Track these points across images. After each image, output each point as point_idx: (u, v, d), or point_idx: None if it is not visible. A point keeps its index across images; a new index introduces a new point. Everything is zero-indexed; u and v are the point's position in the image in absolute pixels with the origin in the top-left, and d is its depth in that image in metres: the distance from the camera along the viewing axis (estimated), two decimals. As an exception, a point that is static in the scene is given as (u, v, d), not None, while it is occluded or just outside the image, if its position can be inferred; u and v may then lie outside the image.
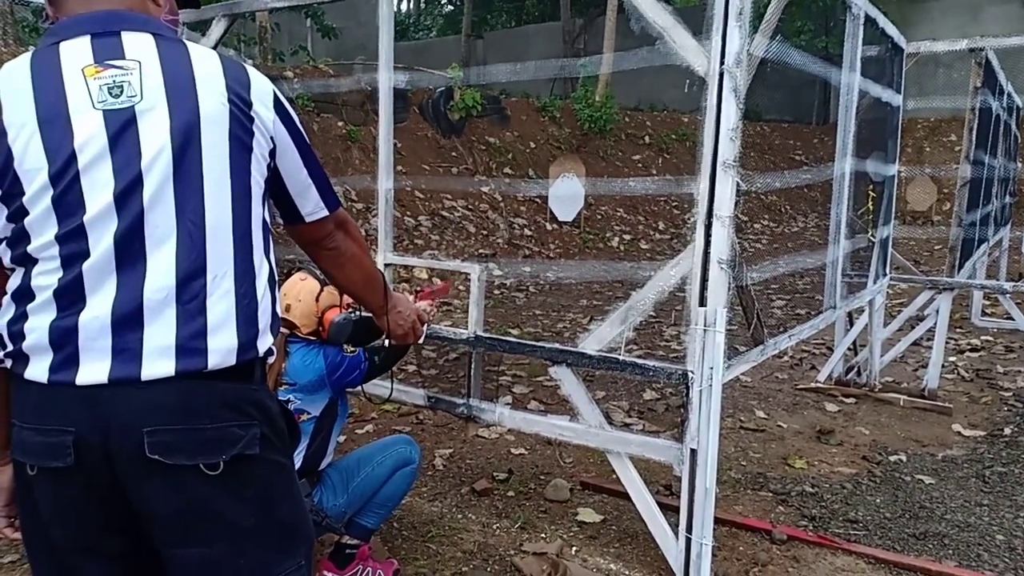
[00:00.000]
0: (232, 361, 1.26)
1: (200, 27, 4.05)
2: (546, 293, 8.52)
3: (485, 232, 10.03)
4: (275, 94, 1.35)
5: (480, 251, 9.53)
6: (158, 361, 1.21)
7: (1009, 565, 2.85)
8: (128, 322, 1.20)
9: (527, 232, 10.53)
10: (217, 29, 3.47)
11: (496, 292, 8.28)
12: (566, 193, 10.36)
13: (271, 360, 1.35)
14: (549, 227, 10.81)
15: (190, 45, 1.31)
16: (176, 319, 1.22)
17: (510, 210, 10.73)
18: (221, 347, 1.25)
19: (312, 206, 1.45)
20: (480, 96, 11.23)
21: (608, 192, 11.73)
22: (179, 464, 1.22)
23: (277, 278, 1.38)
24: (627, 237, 11.62)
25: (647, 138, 14.34)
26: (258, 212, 1.32)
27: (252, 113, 1.30)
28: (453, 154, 11.02)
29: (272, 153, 1.35)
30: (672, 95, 15.65)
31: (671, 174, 13.28)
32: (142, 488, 1.24)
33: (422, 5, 29.57)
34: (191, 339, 1.22)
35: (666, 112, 15.62)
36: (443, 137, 11.04)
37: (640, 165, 13.64)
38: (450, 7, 27.95)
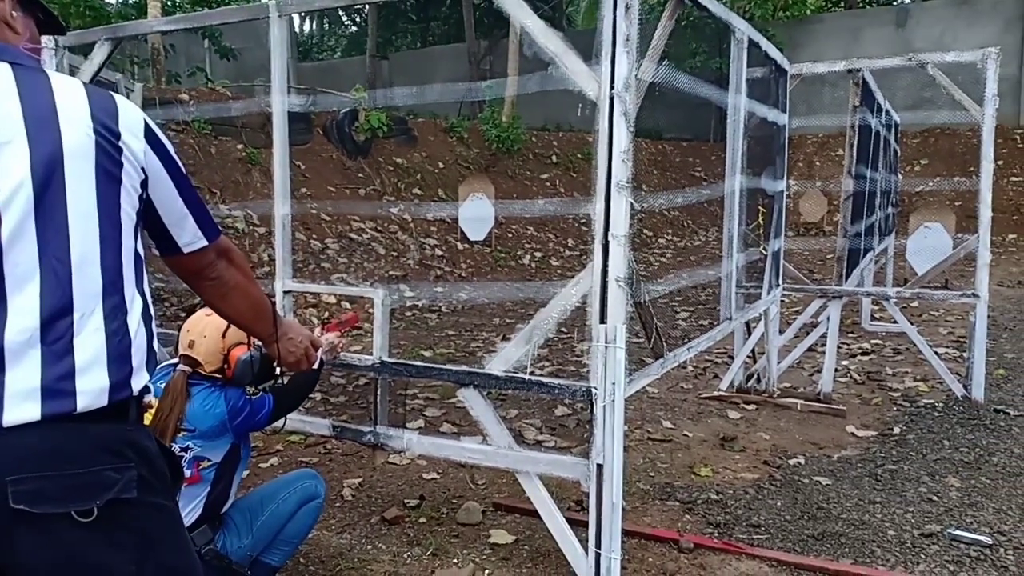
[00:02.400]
0: (104, 402, 1.20)
1: (84, 50, 3.89)
2: (459, 313, 8.51)
3: (395, 254, 9.95)
4: (146, 123, 1.31)
5: (390, 273, 9.44)
6: (22, 405, 1.15)
7: (900, 559, 3.00)
8: None
9: (438, 252, 10.51)
10: (100, 53, 3.34)
11: (408, 314, 8.20)
12: (476, 213, 10.39)
13: (148, 398, 1.29)
14: (460, 247, 10.82)
15: (52, 75, 1.26)
16: (41, 361, 1.16)
17: (420, 231, 10.69)
18: (91, 388, 1.19)
19: (190, 236, 1.41)
20: (386, 117, 11.18)
21: (517, 213, 11.86)
22: (48, 513, 1.16)
23: (153, 313, 1.33)
24: (538, 255, 11.75)
25: (554, 157, 14.59)
26: (129, 245, 1.28)
27: (120, 144, 1.26)
28: (360, 176, 10.91)
29: (144, 184, 1.31)
30: (577, 115, 15.95)
31: (578, 192, 13.53)
32: (11, 542, 1.16)
33: (326, 26, 29.28)
34: (58, 380, 1.17)
35: (572, 132, 15.94)
36: (349, 158, 10.93)
37: (548, 183, 13.85)
38: (354, 28, 27.80)
